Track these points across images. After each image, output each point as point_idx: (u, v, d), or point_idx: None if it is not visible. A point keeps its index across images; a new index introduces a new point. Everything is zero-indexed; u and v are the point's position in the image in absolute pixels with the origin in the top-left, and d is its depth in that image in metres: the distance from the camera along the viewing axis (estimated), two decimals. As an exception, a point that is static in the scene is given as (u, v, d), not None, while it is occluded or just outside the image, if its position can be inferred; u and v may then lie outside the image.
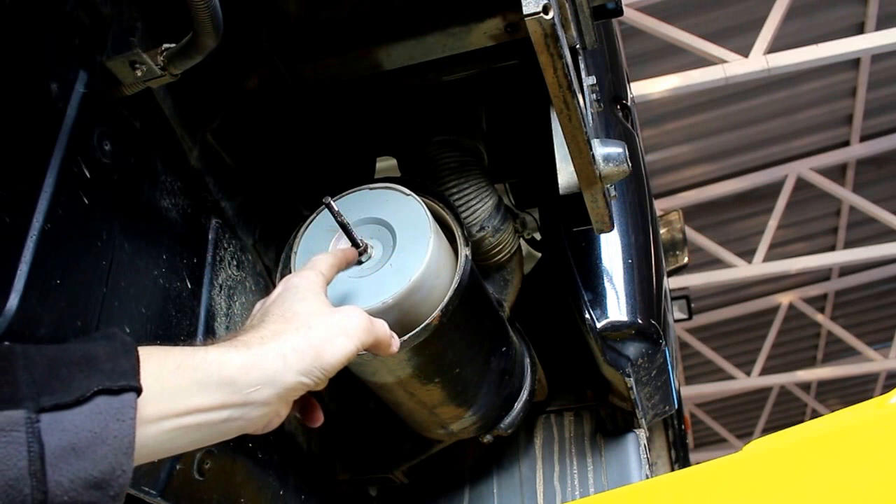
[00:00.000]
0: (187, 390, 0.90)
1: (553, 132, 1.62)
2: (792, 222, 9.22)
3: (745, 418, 13.18)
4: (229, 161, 1.64)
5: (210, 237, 1.55)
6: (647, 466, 2.18)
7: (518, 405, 1.90)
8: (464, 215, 1.76)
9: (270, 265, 1.78)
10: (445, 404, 1.72)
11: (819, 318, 10.80)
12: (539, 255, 2.46)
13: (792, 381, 11.30)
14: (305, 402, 1.17)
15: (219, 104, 1.57)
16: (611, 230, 1.60)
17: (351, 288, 1.49)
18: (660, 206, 7.69)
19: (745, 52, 6.42)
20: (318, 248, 1.57)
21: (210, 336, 1.48)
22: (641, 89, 6.39)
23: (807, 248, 9.54)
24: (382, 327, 1.19)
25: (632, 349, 1.90)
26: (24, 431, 0.71)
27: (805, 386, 12.47)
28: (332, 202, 1.43)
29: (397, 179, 1.63)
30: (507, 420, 1.89)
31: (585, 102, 1.44)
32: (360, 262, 1.51)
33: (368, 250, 1.51)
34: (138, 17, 1.35)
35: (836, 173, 8.81)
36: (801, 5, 6.81)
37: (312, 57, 1.66)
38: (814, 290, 10.57)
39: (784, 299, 10.63)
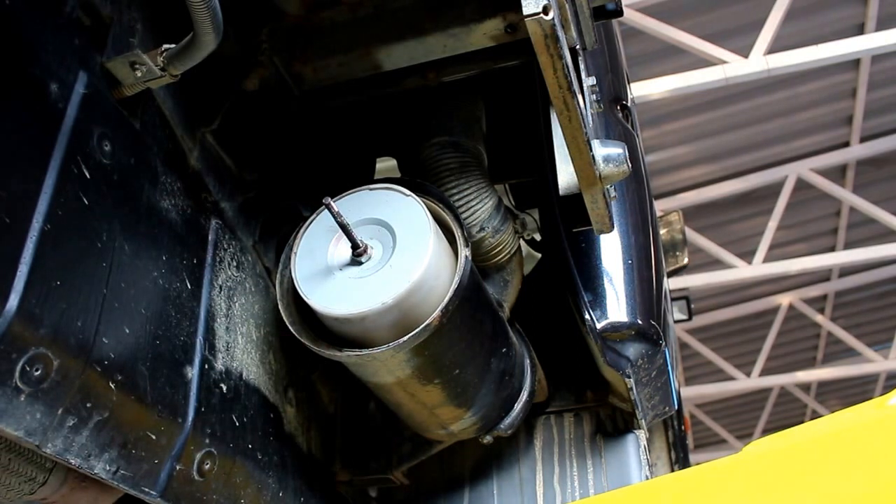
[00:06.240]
0: None
1: (553, 133, 1.62)
2: (792, 223, 9.22)
3: (745, 419, 13.18)
4: (229, 161, 1.64)
5: (210, 238, 1.55)
6: (647, 467, 2.18)
7: (518, 406, 1.90)
8: (464, 216, 1.75)
9: (270, 266, 1.78)
10: (445, 405, 1.72)
11: (819, 318, 10.79)
12: (539, 255, 2.46)
13: (792, 381, 11.29)
14: None
15: (219, 104, 1.57)
16: (611, 231, 1.60)
17: (351, 288, 1.49)
18: (660, 206, 7.69)
19: (745, 52, 6.42)
20: (318, 248, 1.57)
21: (210, 336, 1.48)
22: (641, 90, 6.39)
23: (807, 249, 9.53)
24: None
25: (632, 350, 1.90)
26: None
27: (805, 387, 12.46)
28: (332, 202, 1.43)
29: (397, 180, 1.63)
30: (507, 421, 1.89)
31: (585, 103, 1.44)
32: (360, 263, 1.51)
33: (368, 251, 1.51)
34: (138, 18, 1.36)
35: (836, 174, 8.81)
36: (801, 6, 6.81)
37: (312, 57, 1.66)
38: (814, 291, 10.57)
39: (784, 300, 10.63)
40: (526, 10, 1.11)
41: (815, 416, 12.68)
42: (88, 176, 1.17)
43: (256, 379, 1.64)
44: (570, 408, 2.28)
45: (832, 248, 9.68)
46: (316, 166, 1.95)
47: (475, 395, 1.76)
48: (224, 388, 1.50)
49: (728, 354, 11.13)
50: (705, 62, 6.52)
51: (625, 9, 1.71)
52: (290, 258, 1.59)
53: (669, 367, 2.02)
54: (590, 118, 1.44)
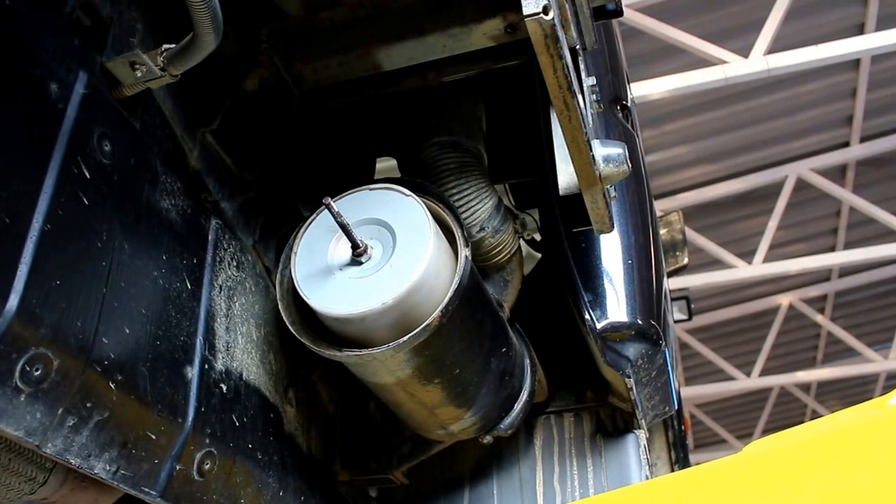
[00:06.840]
0: None
1: (553, 133, 1.62)
2: (792, 223, 9.22)
3: (744, 419, 13.18)
4: (229, 161, 1.64)
5: (210, 238, 1.55)
6: (647, 467, 2.18)
7: (518, 406, 1.90)
8: (464, 216, 1.76)
9: (270, 266, 1.78)
10: (445, 405, 1.72)
11: (819, 318, 10.80)
12: (539, 255, 2.46)
13: (792, 381, 11.30)
14: None
15: (219, 104, 1.57)
16: (611, 231, 1.60)
17: (351, 289, 1.49)
18: (660, 206, 7.69)
19: (745, 52, 6.43)
20: (318, 248, 1.57)
21: (210, 336, 1.48)
22: (641, 90, 6.39)
23: (807, 249, 9.53)
24: None
25: (632, 350, 1.90)
26: None
27: (805, 387, 12.46)
28: (332, 203, 1.43)
29: (397, 180, 1.63)
30: (507, 421, 1.89)
31: (585, 103, 1.44)
32: (360, 263, 1.51)
33: (368, 251, 1.51)
34: (138, 18, 1.36)
35: (836, 174, 8.81)
36: (801, 6, 6.81)
37: (312, 57, 1.66)
38: (814, 291, 10.57)
39: (784, 300, 10.63)
40: (526, 10, 1.11)
41: (815, 416, 12.68)
42: (88, 176, 1.17)
43: (256, 379, 1.64)
44: (570, 408, 2.28)
45: (832, 248, 9.69)
46: (316, 166, 1.95)
47: (475, 395, 1.76)
48: (224, 388, 1.50)
49: (728, 354, 11.13)
50: (705, 62, 6.52)
51: (625, 9, 1.71)
52: (290, 258, 1.59)
53: (669, 367, 2.02)
54: (590, 118, 1.45)
